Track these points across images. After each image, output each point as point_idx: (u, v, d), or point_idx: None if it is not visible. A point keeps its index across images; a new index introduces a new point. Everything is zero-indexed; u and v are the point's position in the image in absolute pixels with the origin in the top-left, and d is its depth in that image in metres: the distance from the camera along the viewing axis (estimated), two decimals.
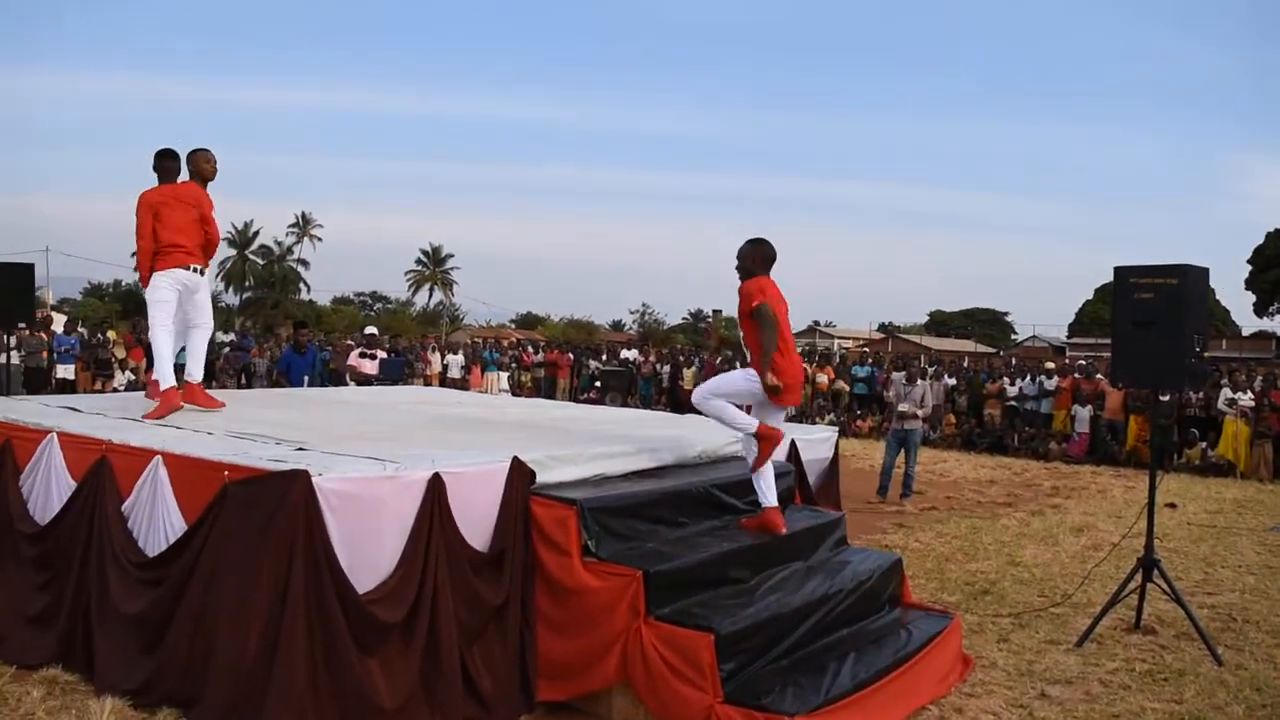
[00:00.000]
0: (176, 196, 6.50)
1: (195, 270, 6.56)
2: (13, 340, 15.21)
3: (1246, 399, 16.77)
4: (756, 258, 5.78)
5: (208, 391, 6.86)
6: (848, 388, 22.62)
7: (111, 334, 22.27)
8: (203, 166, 6.67)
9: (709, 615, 4.78)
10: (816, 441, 7.54)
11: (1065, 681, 5.59)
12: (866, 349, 40.05)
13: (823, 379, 22.81)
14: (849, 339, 58.69)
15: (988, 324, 68.17)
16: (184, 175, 6.67)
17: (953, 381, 21.29)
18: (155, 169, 6.64)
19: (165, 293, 6.50)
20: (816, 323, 74.27)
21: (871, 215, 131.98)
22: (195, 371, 6.76)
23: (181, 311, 6.66)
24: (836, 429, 8.50)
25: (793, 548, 5.86)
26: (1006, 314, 70.00)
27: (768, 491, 5.75)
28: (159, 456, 4.90)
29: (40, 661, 5.08)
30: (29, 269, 11.27)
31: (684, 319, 78.18)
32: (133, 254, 7.09)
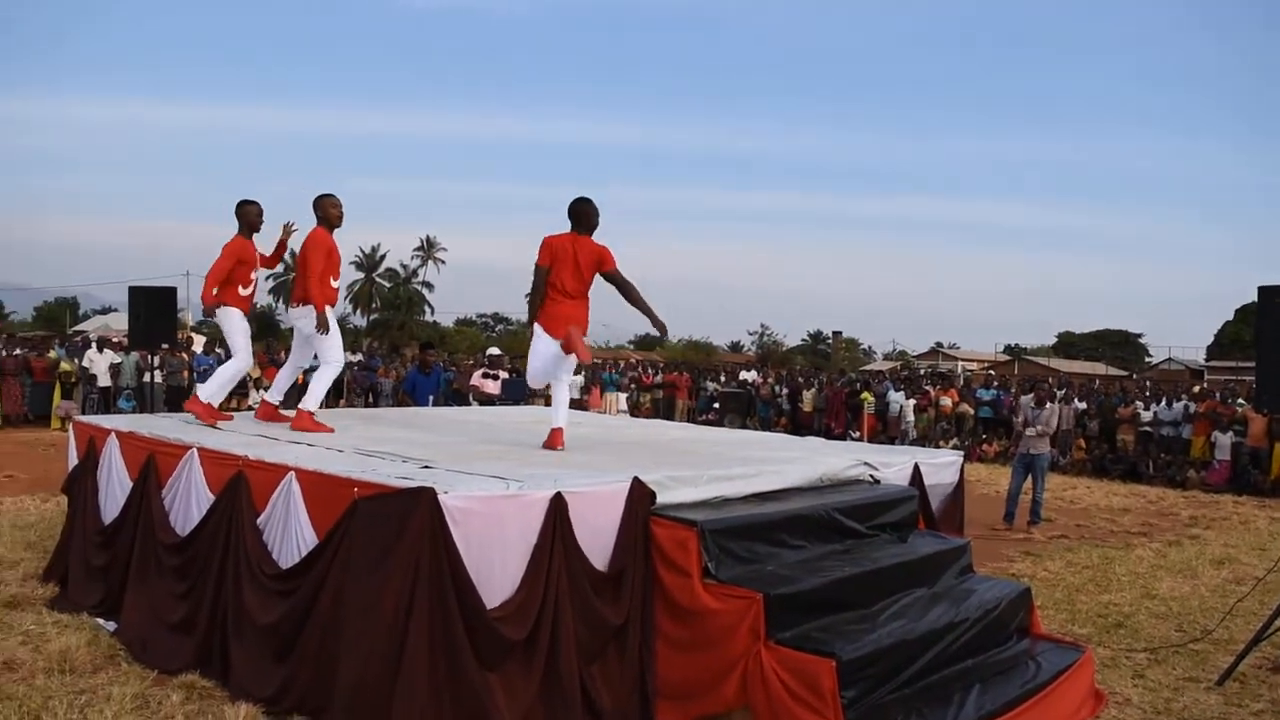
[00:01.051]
0: None
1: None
2: (156, 360, 15.96)
3: None
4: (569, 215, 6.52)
5: (316, 419, 7.13)
6: (972, 411, 22.07)
7: None
8: (329, 212, 6.97)
9: (830, 640, 4.71)
10: (940, 465, 7.37)
11: None
12: (992, 371, 39.03)
13: (946, 402, 22.29)
14: (973, 361, 57.36)
15: (1119, 345, 65.76)
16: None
17: (1083, 405, 20.59)
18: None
19: None
20: (939, 344, 72.87)
21: (996, 234, 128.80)
22: (306, 400, 7.07)
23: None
24: (961, 453, 8.32)
25: (917, 574, 5.74)
26: (1139, 335, 67.49)
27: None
28: (292, 472, 5.07)
29: (180, 667, 5.29)
30: (171, 292, 11.84)
31: (803, 340, 77.56)
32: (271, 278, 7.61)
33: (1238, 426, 17.50)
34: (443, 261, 73.41)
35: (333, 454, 5.59)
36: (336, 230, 7.03)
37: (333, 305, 6.97)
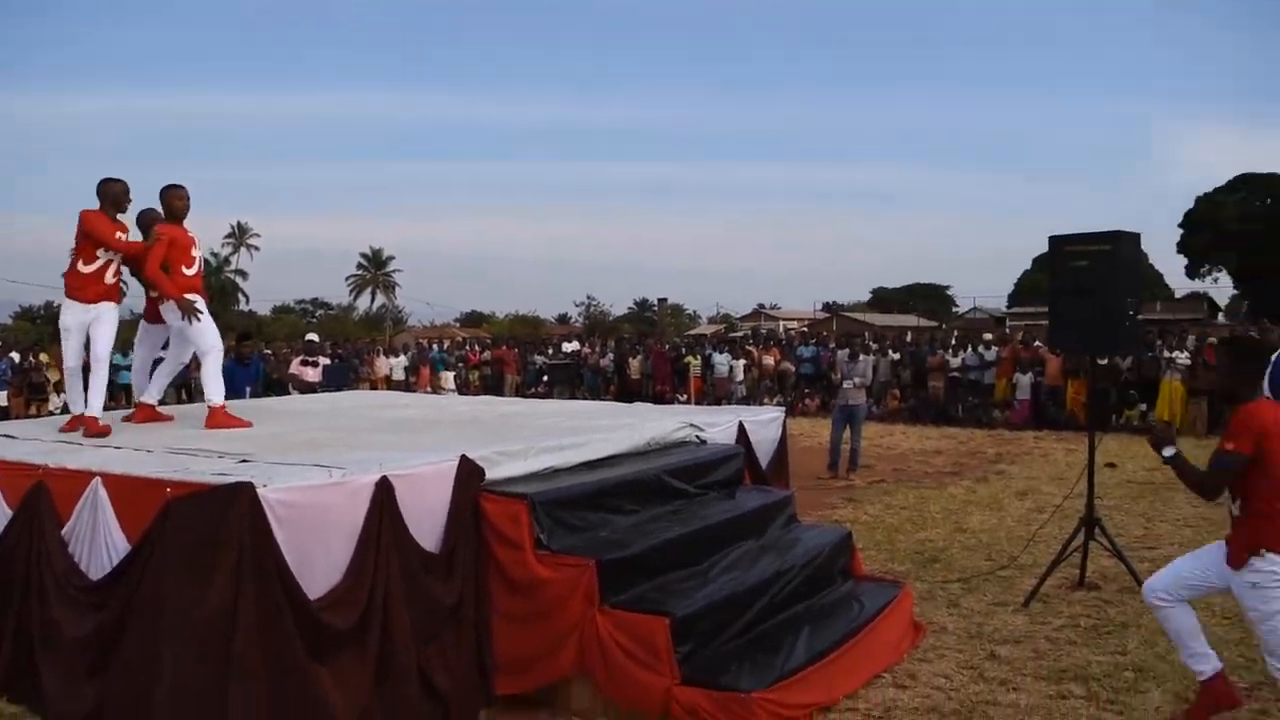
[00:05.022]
0: None
1: None
2: None
3: (1183, 358, 17.16)
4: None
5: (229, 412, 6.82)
6: (794, 368, 22.78)
7: (44, 357, 21.78)
8: (173, 204, 6.69)
9: (664, 599, 4.84)
10: (764, 422, 7.60)
11: (1014, 641, 5.73)
12: (810, 329, 40.27)
13: (769, 360, 22.96)
14: (794, 320, 58.96)
15: (929, 298, 68.67)
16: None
17: (897, 356, 21.54)
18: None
19: None
20: (762, 305, 74.59)
21: (811, 195, 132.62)
22: (212, 396, 6.78)
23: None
24: (783, 409, 8.59)
25: (745, 528, 5.93)
26: (947, 288, 70.62)
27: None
28: (98, 478, 4.81)
29: None
30: None
31: (629, 309, 78.13)
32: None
33: (1037, 368, 18.64)
34: (256, 248, 70.80)
35: (141, 455, 5.32)
36: (185, 220, 6.73)
37: (196, 293, 6.64)
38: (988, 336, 22.31)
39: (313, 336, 15.80)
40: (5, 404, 18.74)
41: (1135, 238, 6.81)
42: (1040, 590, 6.52)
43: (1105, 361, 15.71)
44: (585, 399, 20.29)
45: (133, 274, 6.93)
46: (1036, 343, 19.63)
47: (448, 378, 24.07)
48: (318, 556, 4.42)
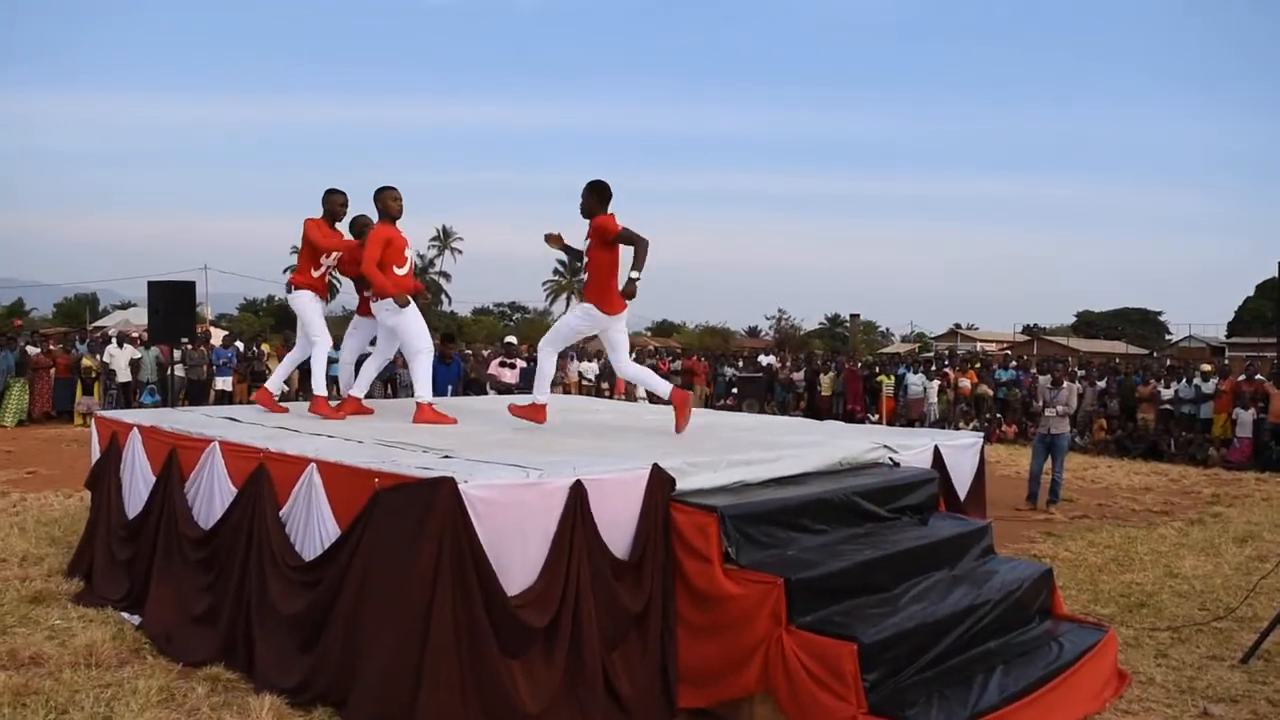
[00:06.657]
0: None
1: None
2: (177, 354, 16.06)
3: None
4: (595, 198, 6.74)
5: (436, 409, 7.34)
6: (991, 392, 22.00)
7: (266, 347, 23.24)
8: (388, 205, 7.17)
9: (852, 624, 4.72)
10: (962, 447, 7.36)
11: (1230, 700, 5.33)
12: (1010, 352, 38.80)
13: (965, 383, 22.23)
14: (992, 342, 56.97)
15: (1139, 324, 65.18)
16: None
17: (1103, 384, 20.49)
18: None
19: None
20: (958, 325, 72.42)
21: (1011, 213, 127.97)
22: (420, 392, 7.41)
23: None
24: (981, 435, 8.30)
25: (938, 556, 5.74)
26: (1159, 313, 66.80)
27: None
28: (313, 464, 5.11)
29: (204, 659, 5.34)
30: (190, 287, 11.92)
31: (821, 323, 77.17)
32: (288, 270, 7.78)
33: (1260, 403, 17.38)
34: (459, 251, 73.52)
35: (353, 445, 5.62)
36: (398, 221, 7.22)
37: (405, 291, 7.10)
38: (1205, 367, 20.89)
39: (512, 339, 16.27)
40: (230, 389, 20.08)
41: None
42: (1261, 646, 6.04)
43: None
44: (774, 413, 20.12)
45: (344, 273, 7.45)
46: (1260, 376, 18.32)
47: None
48: (515, 554, 4.54)
